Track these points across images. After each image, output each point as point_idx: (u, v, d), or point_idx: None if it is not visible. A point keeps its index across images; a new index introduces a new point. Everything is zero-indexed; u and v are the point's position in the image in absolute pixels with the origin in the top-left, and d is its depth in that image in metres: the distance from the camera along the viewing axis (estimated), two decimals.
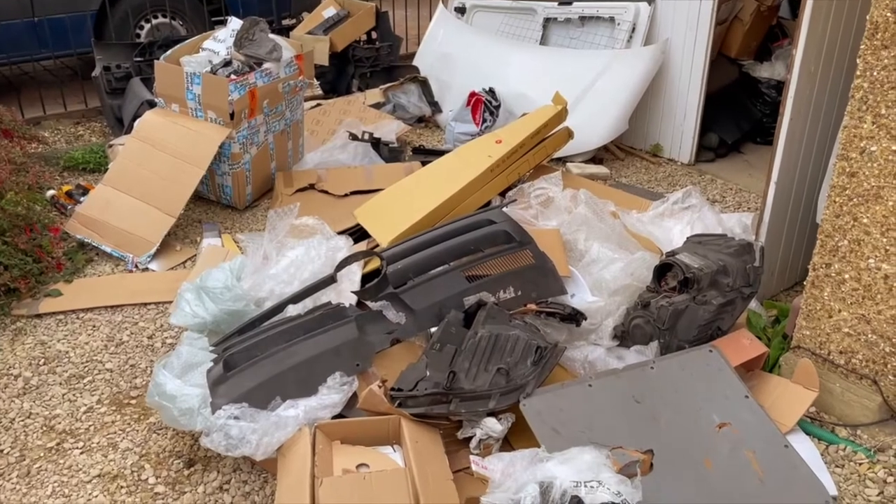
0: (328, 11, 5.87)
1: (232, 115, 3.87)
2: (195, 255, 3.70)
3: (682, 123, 4.85)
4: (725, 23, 5.02)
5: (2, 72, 5.53)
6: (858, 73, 2.24)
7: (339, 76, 5.81)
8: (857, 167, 2.30)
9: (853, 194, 2.33)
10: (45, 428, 2.66)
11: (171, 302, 3.23)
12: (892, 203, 2.24)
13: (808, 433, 2.53)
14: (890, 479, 2.35)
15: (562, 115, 3.59)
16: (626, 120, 4.75)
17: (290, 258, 2.83)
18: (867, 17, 2.18)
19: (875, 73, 2.19)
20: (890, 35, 2.13)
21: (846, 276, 2.42)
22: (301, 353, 2.54)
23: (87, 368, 2.96)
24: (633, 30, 4.84)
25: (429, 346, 2.53)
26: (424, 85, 5.52)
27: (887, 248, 2.29)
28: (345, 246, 2.97)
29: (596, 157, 4.86)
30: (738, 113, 5.09)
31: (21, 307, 3.30)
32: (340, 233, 3.26)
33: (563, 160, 4.69)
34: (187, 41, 4.28)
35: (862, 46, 2.21)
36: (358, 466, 2.26)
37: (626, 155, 5.00)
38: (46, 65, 5.99)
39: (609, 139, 4.76)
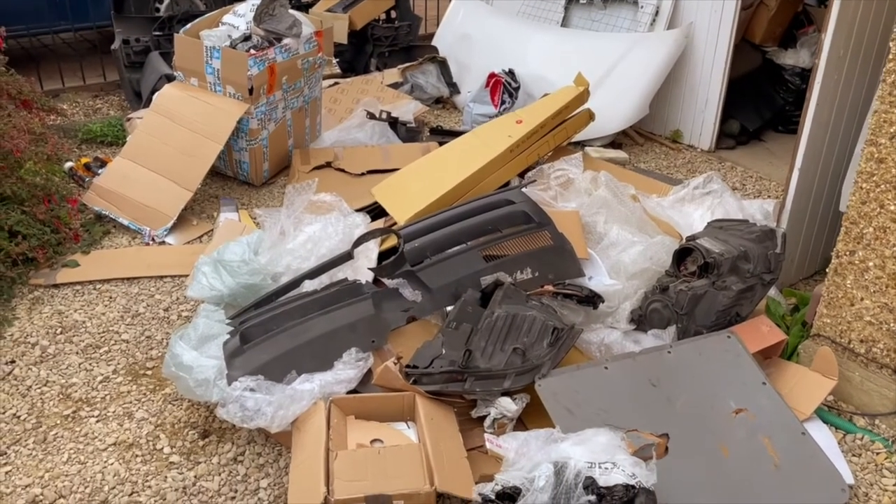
0: None
1: (251, 91, 3.86)
2: (211, 230, 3.71)
3: (703, 110, 4.79)
4: (751, 8, 4.94)
5: (21, 44, 5.53)
6: (891, 56, 2.19)
7: (357, 55, 5.78)
8: (885, 153, 2.26)
9: (881, 181, 2.30)
10: (61, 396, 2.68)
11: (187, 275, 3.23)
12: None
13: (825, 422, 2.51)
14: None
15: (583, 96, 3.56)
16: (646, 105, 4.70)
17: (308, 234, 2.82)
18: None
19: None
20: None
21: (870, 263, 2.39)
22: (317, 328, 2.54)
23: (103, 339, 2.97)
24: (657, 13, 4.78)
25: (445, 324, 2.52)
26: (443, 65, 5.48)
27: None
28: (362, 223, 2.96)
29: (615, 142, 4.82)
30: (760, 100, 5.02)
31: (39, 277, 3.31)
32: (358, 210, 3.25)
33: (581, 144, 4.64)
34: (207, 15, 4.26)
35: (895, 29, 2.17)
36: (372, 441, 2.26)
37: (645, 140, 4.95)
38: (66, 38, 5.99)
39: (629, 124, 4.72)
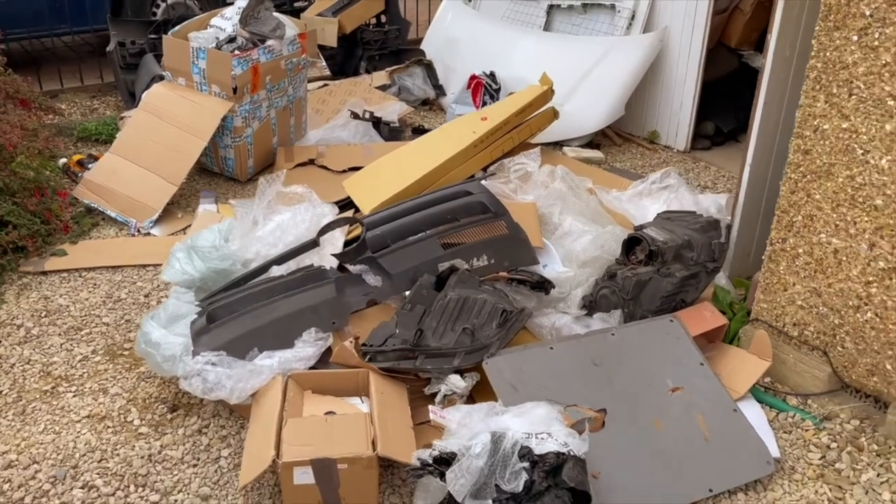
0: None
1: (235, 90, 4.03)
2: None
3: (678, 111, 4.93)
4: (726, 12, 5.07)
5: (23, 46, 5.74)
6: (813, 53, 2.33)
7: (347, 58, 5.96)
8: (810, 145, 2.40)
9: (807, 171, 2.43)
10: (42, 373, 2.84)
11: None
12: (842, 179, 2.34)
13: (761, 401, 2.63)
14: (833, 444, 2.45)
15: (547, 94, 3.70)
16: (622, 106, 4.84)
17: (277, 222, 2.98)
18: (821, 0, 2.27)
19: (828, 54, 2.29)
20: (841, 16, 2.22)
21: (800, 250, 2.52)
22: (281, 309, 2.69)
23: (85, 321, 3.14)
24: (633, 17, 4.93)
25: (400, 306, 2.67)
26: (429, 68, 5.64)
27: (837, 223, 2.38)
28: (330, 213, 3.12)
29: (593, 142, 4.96)
30: (735, 102, 5.13)
31: (28, 264, 3.49)
32: (336, 203, 3.40)
33: (559, 144, 4.80)
34: (196, 18, 4.45)
35: (817, 28, 2.31)
36: (326, 413, 2.41)
37: (623, 141, 5.09)
38: (66, 40, 6.19)
39: (605, 124, 4.86)
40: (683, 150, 4.96)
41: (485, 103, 4.99)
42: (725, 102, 5.09)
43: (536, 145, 3.70)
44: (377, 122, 4.75)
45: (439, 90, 5.62)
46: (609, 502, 2.22)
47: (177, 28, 4.28)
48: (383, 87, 5.46)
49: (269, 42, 4.16)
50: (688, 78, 4.81)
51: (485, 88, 5.01)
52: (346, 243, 3.06)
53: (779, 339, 2.68)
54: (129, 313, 3.20)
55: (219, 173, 4.41)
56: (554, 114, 3.81)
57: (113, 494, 2.30)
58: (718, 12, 4.94)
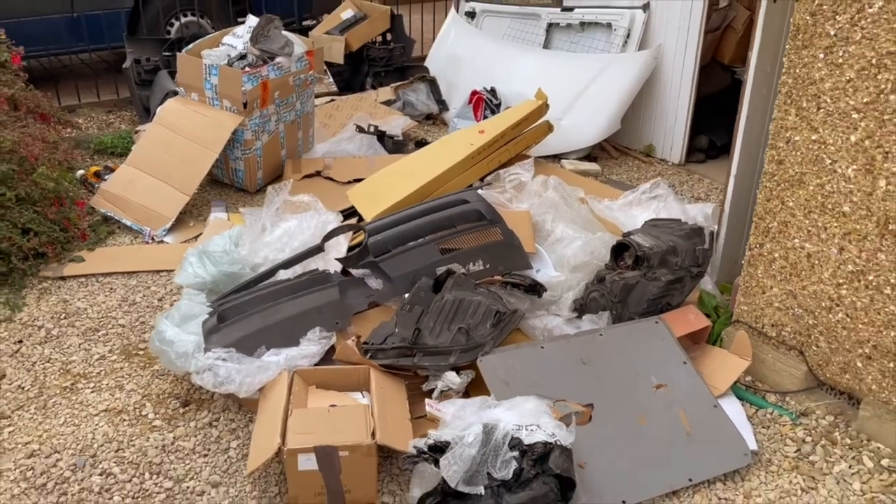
0: (346, 13, 6.22)
1: (245, 105, 4.22)
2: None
3: (673, 125, 5.09)
4: (718, 30, 5.25)
5: (42, 63, 5.97)
6: (784, 69, 2.49)
7: (354, 74, 6.16)
8: (783, 155, 2.55)
9: (781, 180, 2.58)
10: (61, 371, 3.01)
11: None
12: (813, 188, 2.49)
13: (741, 398, 2.77)
14: (808, 438, 2.59)
15: (542, 109, 3.87)
16: (618, 120, 5.01)
17: (284, 229, 3.15)
18: (791, 20, 2.44)
19: (797, 70, 2.45)
20: (809, 36, 2.39)
21: (776, 254, 2.67)
22: (287, 310, 2.86)
23: (102, 323, 3.31)
24: (629, 35, 5.10)
25: (400, 307, 2.83)
26: (433, 84, 5.83)
27: (809, 228, 2.53)
28: (334, 221, 3.29)
29: (590, 155, 5.12)
30: (728, 117, 5.25)
31: (48, 270, 3.67)
32: (342, 212, 3.58)
33: (558, 157, 4.96)
34: (208, 36, 4.64)
35: (787, 46, 2.47)
36: (329, 407, 2.56)
37: (620, 154, 5.25)
38: (83, 57, 6.42)
39: (602, 138, 5.02)
40: (678, 163, 5.11)
41: (485, 118, 5.16)
42: (719, 117, 5.23)
43: (531, 157, 3.86)
44: (381, 136, 4.93)
45: (442, 105, 5.81)
46: (594, 490, 2.36)
47: (190, 46, 4.48)
48: (388, 103, 5.65)
49: (278, 59, 4.35)
50: (682, 93, 4.97)
51: (486, 103, 5.19)
52: (350, 249, 3.22)
53: (758, 339, 2.82)
54: (144, 315, 3.37)
55: (229, 184, 4.59)
56: (549, 127, 3.98)
57: (129, 481, 2.46)
58: (711, 30, 5.12)
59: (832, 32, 2.31)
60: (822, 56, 2.35)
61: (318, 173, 4.49)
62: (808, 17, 2.37)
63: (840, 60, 2.31)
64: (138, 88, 5.39)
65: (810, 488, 2.41)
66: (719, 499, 2.40)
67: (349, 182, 4.33)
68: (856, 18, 2.24)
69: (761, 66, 3.12)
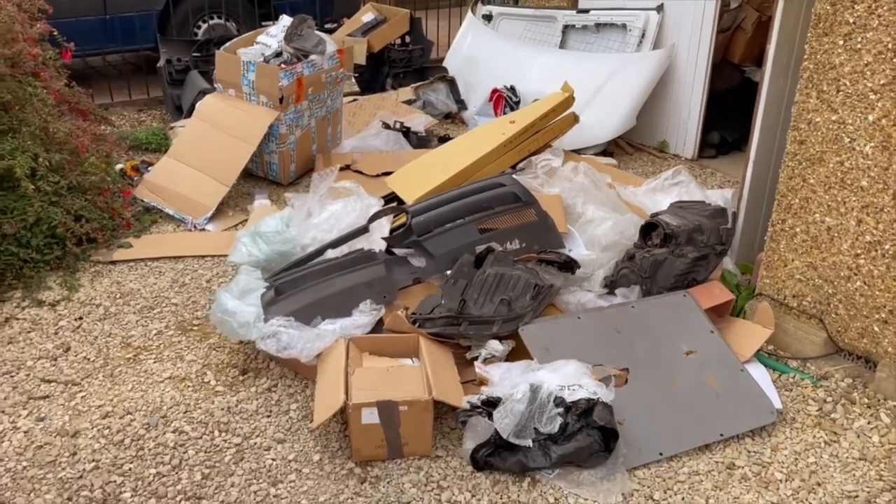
0: (367, 16, 6.44)
1: (281, 100, 4.41)
2: (245, 220, 4.24)
3: (686, 122, 5.30)
4: (729, 31, 5.47)
5: (75, 63, 6.16)
6: (806, 56, 2.70)
7: (374, 75, 6.36)
8: (805, 136, 2.76)
9: (802, 159, 2.79)
10: (123, 344, 3.19)
11: (225, 255, 3.74)
12: (833, 165, 2.69)
13: (765, 365, 2.96)
14: (829, 399, 2.78)
15: (569, 101, 4.08)
16: (633, 117, 5.22)
17: (331, 211, 3.35)
18: (812, 10, 2.65)
19: (818, 56, 2.66)
20: (829, 24, 2.60)
21: (797, 229, 2.87)
22: (338, 284, 3.04)
23: (156, 302, 3.49)
24: (643, 35, 5.32)
25: (445, 280, 3.02)
26: (452, 84, 6.04)
27: (829, 203, 2.74)
28: (377, 205, 3.48)
29: (606, 151, 5.32)
30: (739, 114, 5.49)
31: (98, 255, 3.85)
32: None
33: (576, 152, 5.15)
34: (243, 36, 4.85)
35: (808, 34, 2.68)
36: (388, 367, 2.74)
37: (634, 150, 5.46)
38: (111, 60, 6.63)
39: (618, 133, 5.23)
40: (691, 159, 5.32)
41: (505, 115, 5.37)
42: (730, 114, 5.45)
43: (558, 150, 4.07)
44: (406, 132, 5.13)
45: (461, 104, 6.01)
46: (633, 443, 2.55)
47: (227, 45, 4.69)
48: (409, 102, 5.85)
49: (312, 57, 4.56)
50: (694, 91, 5.19)
51: (505, 101, 5.40)
52: (392, 230, 3.41)
53: (780, 310, 3.02)
54: (195, 296, 3.56)
55: (262, 177, 4.78)
56: (575, 118, 4.18)
57: (200, 437, 2.64)
58: (722, 31, 5.33)
59: (851, 20, 2.52)
60: (841, 42, 2.56)
61: (347, 166, 4.68)
62: (828, 7, 2.58)
63: (858, 46, 2.52)
64: (170, 87, 5.59)
65: (833, 441, 2.61)
66: (749, 452, 2.59)
67: (377, 175, 4.52)
68: (873, 7, 2.45)
69: (778, 57, 3.33)
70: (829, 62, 2.63)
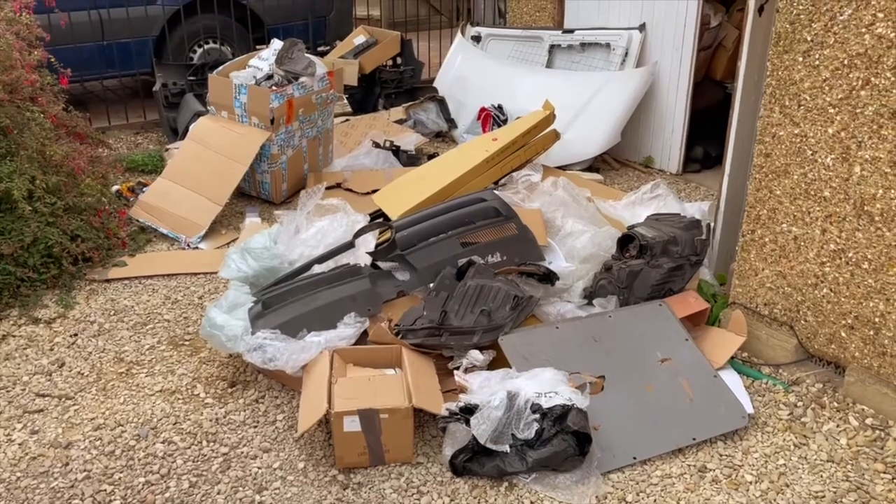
0: (359, 39, 6.59)
1: (272, 121, 4.54)
2: (236, 238, 4.35)
3: (670, 137, 5.42)
4: (710, 49, 5.60)
5: (73, 88, 6.30)
6: (768, 73, 2.81)
7: (366, 96, 6.50)
8: (770, 149, 2.86)
9: (768, 171, 2.89)
10: (116, 359, 3.28)
11: (216, 272, 3.85)
12: (797, 176, 2.80)
13: (738, 371, 3.05)
14: (799, 403, 2.86)
15: (550, 118, 4.19)
16: (618, 133, 5.33)
17: (317, 227, 3.45)
18: (772, 28, 2.76)
19: (780, 73, 2.77)
20: (788, 42, 2.71)
21: (766, 239, 2.96)
22: (324, 298, 3.14)
23: (148, 318, 3.59)
24: (626, 54, 5.45)
25: (427, 292, 3.12)
26: (442, 103, 6.17)
27: (795, 214, 2.83)
28: (362, 221, 3.58)
29: (592, 167, 5.43)
30: (722, 129, 5.59)
31: (93, 273, 3.95)
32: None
33: (562, 168, 5.27)
34: (236, 59, 4.98)
35: (770, 52, 2.79)
36: (369, 377, 2.83)
37: (620, 166, 5.57)
38: (108, 85, 6.78)
39: (603, 150, 5.34)
40: (676, 173, 5.43)
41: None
42: (713, 129, 5.53)
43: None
44: (396, 151, 5.25)
45: (451, 123, 6.14)
46: (608, 447, 2.63)
47: (220, 68, 4.82)
48: (400, 122, 5.98)
49: (302, 79, 4.69)
50: (677, 108, 5.31)
51: (493, 119, 5.52)
52: (377, 245, 3.51)
53: (753, 318, 3.10)
54: (186, 312, 3.65)
55: (255, 196, 4.89)
56: (556, 135, 4.29)
57: (189, 448, 2.73)
58: (704, 49, 5.47)
59: (809, 38, 2.63)
60: (800, 59, 2.67)
61: (338, 185, 4.79)
62: (787, 26, 2.70)
63: (816, 62, 2.63)
64: (166, 110, 5.72)
65: (802, 444, 2.69)
66: (721, 455, 2.66)
67: (367, 193, 4.63)
68: (829, 25, 2.57)
69: (749, 74, 3.44)
70: (789, 78, 2.74)
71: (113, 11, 5.84)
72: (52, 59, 4.37)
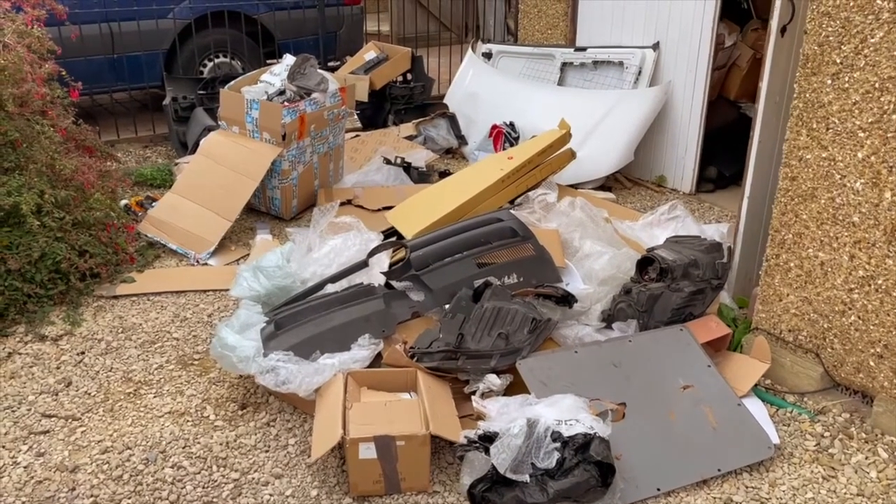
0: (369, 55, 6.56)
1: (283, 137, 4.49)
2: (247, 255, 4.29)
3: (683, 157, 5.37)
4: (724, 68, 5.57)
5: (82, 101, 6.27)
6: (795, 95, 2.76)
7: (376, 112, 6.47)
8: (796, 172, 2.80)
9: (794, 195, 2.83)
10: (124, 379, 3.21)
11: (227, 289, 3.79)
12: (824, 201, 2.73)
13: (762, 399, 2.97)
14: (826, 434, 2.78)
15: (565, 137, 4.14)
16: (631, 152, 5.28)
17: (330, 246, 3.39)
18: (800, 51, 2.71)
19: (807, 95, 2.71)
20: (817, 64, 2.66)
21: (791, 264, 2.90)
22: (338, 319, 3.07)
23: (157, 336, 3.52)
24: (640, 73, 5.41)
25: (443, 314, 3.05)
26: (452, 120, 6.13)
27: (822, 239, 2.77)
28: (376, 239, 3.52)
29: (605, 186, 5.38)
30: (736, 149, 5.56)
31: (101, 289, 3.89)
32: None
33: (575, 187, 5.21)
34: (247, 74, 4.95)
35: (797, 73, 2.74)
36: (385, 402, 2.76)
37: (632, 184, 5.52)
38: (118, 98, 6.74)
39: (616, 168, 5.29)
40: (689, 193, 5.37)
41: (504, 150, 5.44)
42: (727, 149, 5.51)
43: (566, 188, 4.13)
44: (407, 167, 5.21)
45: (461, 140, 6.10)
46: (630, 478, 2.56)
47: (231, 83, 4.78)
48: (410, 138, 5.94)
49: (314, 95, 4.65)
50: (691, 127, 5.26)
51: (505, 136, 5.47)
52: (391, 264, 3.45)
53: (776, 344, 3.03)
54: (196, 330, 3.59)
55: (265, 212, 4.84)
56: (572, 154, 4.24)
57: (199, 473, 2.65)
58: (718, 68, 5.43)
59: (838, 60, 2.58)
60: (829, 82, 2.62)
61: (349, 201, 4.74)
62: (816, 48, 2.64)
63: (846, 85, 2.58)
64: (175, 124, 5.68)
65: (830, 477, 2.61)
66: (747, 487, 2.59)
67: (378, 210, 4.58)
68: (859, 48, 2.51)
69: (770, 95, 3.39)
70: (818, 101, 2.68)
71: (124, 25, 5.82)
72: (63, 73, 4.32)
